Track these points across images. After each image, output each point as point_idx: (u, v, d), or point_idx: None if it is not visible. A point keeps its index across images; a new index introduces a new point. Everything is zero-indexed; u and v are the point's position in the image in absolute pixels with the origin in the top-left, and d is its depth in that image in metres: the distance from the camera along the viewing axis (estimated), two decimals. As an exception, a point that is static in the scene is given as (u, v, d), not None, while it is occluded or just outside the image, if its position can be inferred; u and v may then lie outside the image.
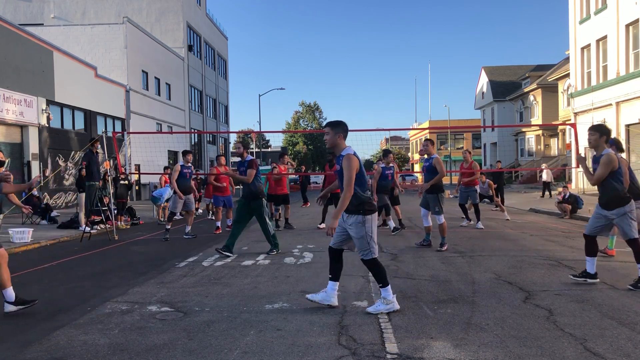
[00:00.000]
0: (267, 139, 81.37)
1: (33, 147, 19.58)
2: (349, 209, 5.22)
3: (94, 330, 4.80)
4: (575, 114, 28.12)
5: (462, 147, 70.46)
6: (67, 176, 22.07)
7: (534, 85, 41.66)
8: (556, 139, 41.50)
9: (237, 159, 9.60)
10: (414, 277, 6.91)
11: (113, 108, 26.61)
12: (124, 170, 16.84)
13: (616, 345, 4.16)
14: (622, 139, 23.22)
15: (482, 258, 8.33)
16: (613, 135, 25.01)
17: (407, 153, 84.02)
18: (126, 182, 15.96)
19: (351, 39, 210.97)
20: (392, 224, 11.97)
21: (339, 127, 5.36)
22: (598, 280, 6.40)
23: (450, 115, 64.77)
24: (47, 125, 20.52)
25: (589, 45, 26.78)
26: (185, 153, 12.44)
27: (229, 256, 8.81)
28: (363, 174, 5.25)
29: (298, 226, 14.02)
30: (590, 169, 6.48)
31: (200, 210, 17.38)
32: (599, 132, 6.17)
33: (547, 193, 24.94)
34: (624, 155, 8.15)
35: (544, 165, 29.22)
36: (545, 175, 25.58)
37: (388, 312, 5.13)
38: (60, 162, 21.43)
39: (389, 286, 5.23)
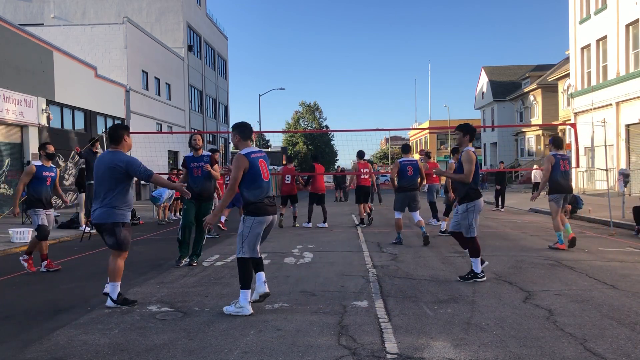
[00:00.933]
0: (267, 139, 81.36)
1: (33, 147, 19.55)
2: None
3: (94, 330, 4.81)
4: (575, 114, 28.12)
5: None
6: (67, 176, 22.07)
7: (534, 85, 41.64)
8: (556, 139, 41.47)
9: (189, 153, 8.54)
10: (414, 277, 6.91)
11: (113, 108, 26.60)
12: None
13: (616, 345, 4.16)
14: (622, 139, 23.25)
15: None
16: (612, 135, 24.87)
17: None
18: None
19: (351, 39, 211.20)
20: (444, 225, 11.50)
21: (237, 129, 5.52)
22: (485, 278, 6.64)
23: (450, 115, 64.73)
24: (47, 125, 20.52)
25: (589, 45, 26.79)
26: (212, 151, 12.34)
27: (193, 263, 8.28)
28: (252, 175, 5.28)
29: (298, 226, 14.04)
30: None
31: None
32: (463, 132, 6.76)
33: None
34: (562, 151, 9.36)
35: (535, 166, 29.45)
36: (537, 177, 25.86)
37: (237, 314, 5.17)
38: (60, 162, 21.42)
39: (248, 291, 5.28)
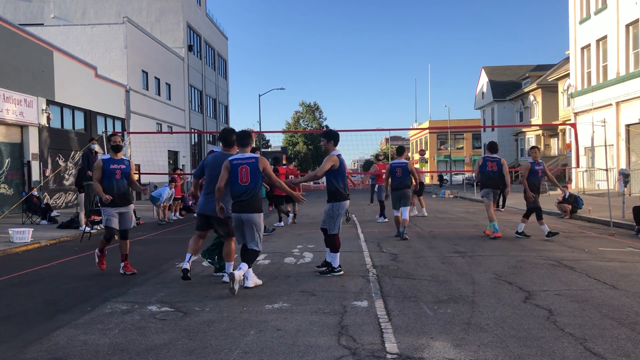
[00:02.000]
0: (267, 139, 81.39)
1: (33, 147, 19.57)
2: None
3: (94, 330, 4.81)
4: (575, 114, 28.11)
5: (462, 147, 70.63)
6: (67, 176, 22.07)
7: (534, 85, 41.64)
8: (556, 139, 41.50)
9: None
10: (414, 277, 6.91)
11: (113, 108, 26.60)
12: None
13: (616, 345, 4.16)
14: (622, 139, 23.25)
15: (482, 258, 8.33)
16: (612, 135, 24.83)
17: (407, 153, 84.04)
18: None
19: (351, 39, 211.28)
20: (545, 228, 10.42)
21: (236, 137, 6.61)
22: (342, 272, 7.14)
23: (450, 115, 64.72)
24: (47, 125, 20.51)
25: (589, 45, 26.78)
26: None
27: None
28: (230, 178, 6.28)
29: (298, 226, 14.04)
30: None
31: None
32: (327, 138, 7.35)
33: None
34: (495, 155, 10.83)
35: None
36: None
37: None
38: (60, 162, 21.42)
39: (231, 264, 6.47)
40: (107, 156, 7.58)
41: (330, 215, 7.18)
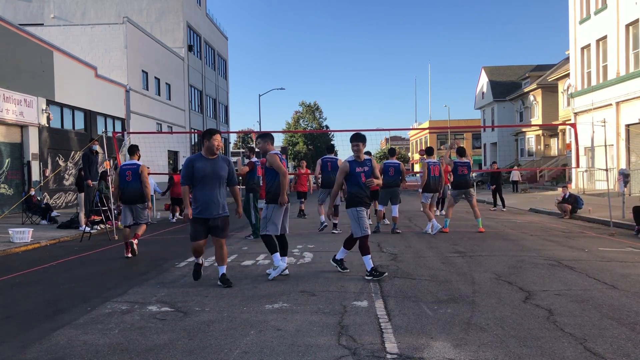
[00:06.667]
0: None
1: (33, 147, 19.57)
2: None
3: (94, 330, 4.81)
4: (575, 114, 28.12)
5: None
6: (67, 176, 22.07)
7: (534, 85, 41.62)
8: (556, 139, 41.48)
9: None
10: (414, 277, 6.91)
11: (113, 108, 26.59)
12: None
13: (616, 345, 4.16)
14: (622, 139, 23.25)
15: (482, 258, 8.33)
16: (612, 135, 24.77)
17: (407, 153, 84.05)
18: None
19: (351, 39, 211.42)
20: None
21: (268, 137, 7.22)
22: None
23: (450, 115, 64.81)
24: (47, 125, 20.51)
25: (589, 45, 26.78)
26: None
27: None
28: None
29: (297, 226, 14.02)
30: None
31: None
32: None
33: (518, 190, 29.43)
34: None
35: (515, 168, 32.29)
36: (514, 176, 30.52)
37: (278, 273, 6.85)
38: (60, 162, 21.42)
39: (277, 254, 6.88)
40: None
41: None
